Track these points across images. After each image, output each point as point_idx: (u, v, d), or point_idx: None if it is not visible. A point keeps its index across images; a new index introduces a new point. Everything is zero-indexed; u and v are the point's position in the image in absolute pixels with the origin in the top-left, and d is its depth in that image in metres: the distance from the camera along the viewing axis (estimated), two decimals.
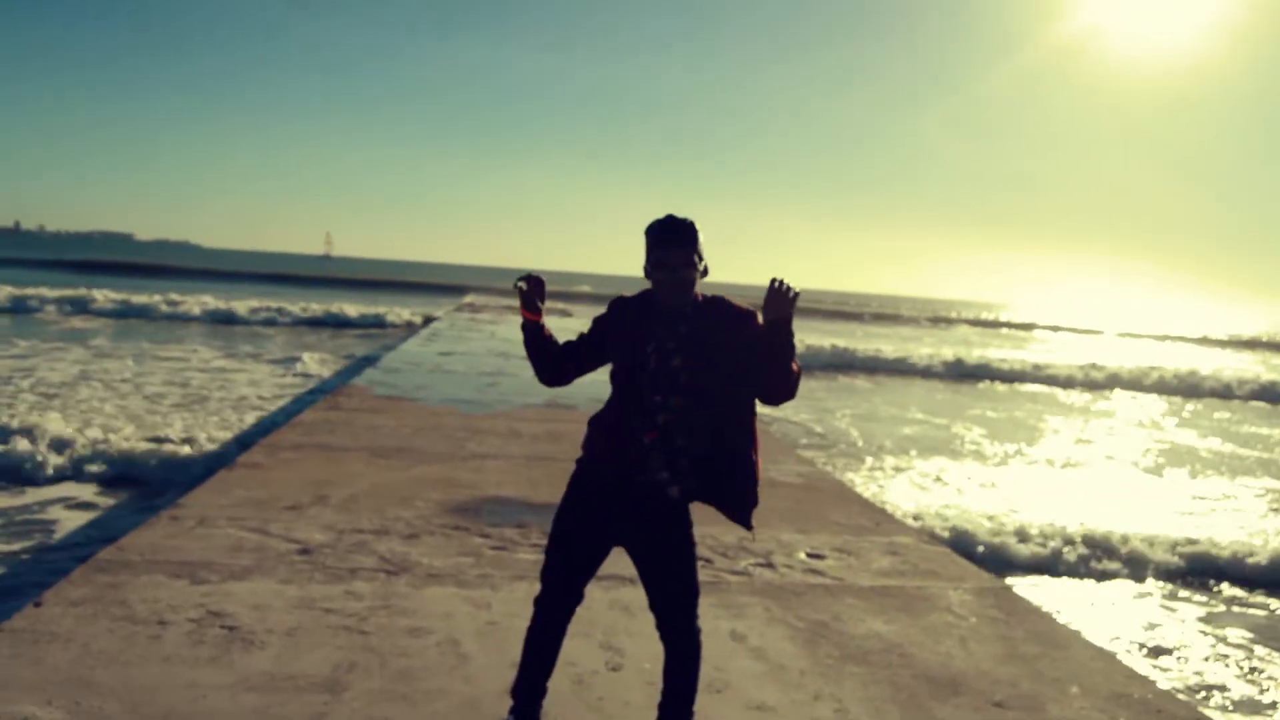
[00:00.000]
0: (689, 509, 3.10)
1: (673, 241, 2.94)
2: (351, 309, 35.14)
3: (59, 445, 9.83)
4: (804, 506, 7.18)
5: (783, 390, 2.92)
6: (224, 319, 30.82)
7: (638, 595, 4.65)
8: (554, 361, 3.18)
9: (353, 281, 63.42)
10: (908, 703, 3.88)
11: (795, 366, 2.91)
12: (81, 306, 31.08)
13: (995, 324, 75.88)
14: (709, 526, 6.30)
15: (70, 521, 7.89)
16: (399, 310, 36.39)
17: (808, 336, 38.27)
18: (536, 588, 4.95)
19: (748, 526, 3.14)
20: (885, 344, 36.67)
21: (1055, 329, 72.92)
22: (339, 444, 8.34)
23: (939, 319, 72.52)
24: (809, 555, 5.87)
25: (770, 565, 5.61)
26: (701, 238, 3.00)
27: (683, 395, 2.94)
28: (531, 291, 3.12)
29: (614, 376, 3.07)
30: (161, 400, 14.29)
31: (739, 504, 3.08)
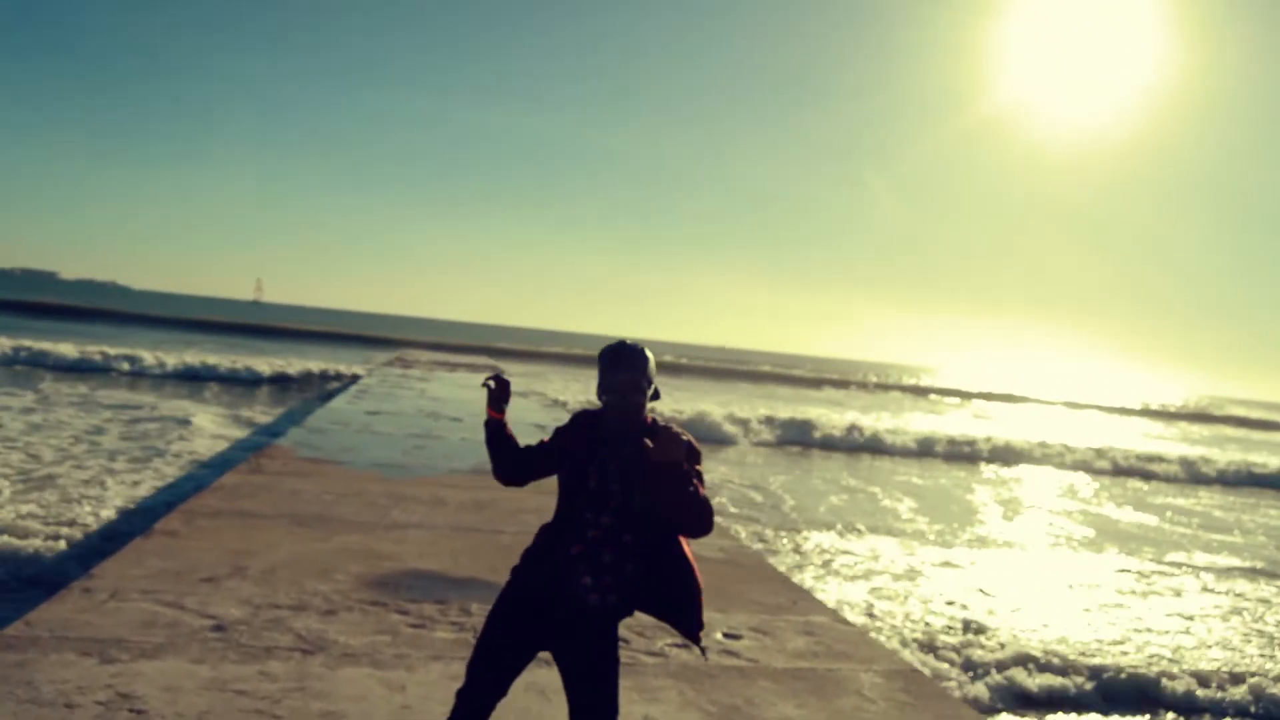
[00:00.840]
0: (616, 627, 3.16)
1: (621, 367, 3.10)
2: (281, 363, 34.51)
3: None
4: (724, 583, 7.29)
5: (687, 525, 3.02)
6: (143, 373, 29.86)
7: (553, 678, 4.71)
8: (512, 462, 3.31)
9: (284, 331, 62.37)
10: None
11: (696, 499, 2.98)
12: None
13: (927, 390, 75.31)
14: None
15: None
16: (329, 364, 35.94)
17: (747, 400, 38.61)
18: (453, 668, 5.01)
19: (695, 640, 3.21)
20: (819, 409, 37.02)
21: (988, 397, 72.92)
22: (259, 511, 8.25)
23: (872, 384, 72.30)
24: (725, 635, 5.97)
25: (686, 646, 5.70)
26: (653, 363, 3.17)
27: (612, 515, 3.08)
28: (498, 391, 3.30)
29: (560, 489, 3.21)
30: (92, 458, 13.94)
31: (680, 615, 3.17)
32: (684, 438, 3.13)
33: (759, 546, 11.52)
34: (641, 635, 5.79)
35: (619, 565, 3.09)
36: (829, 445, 27.21)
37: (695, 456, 3.10)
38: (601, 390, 3.13)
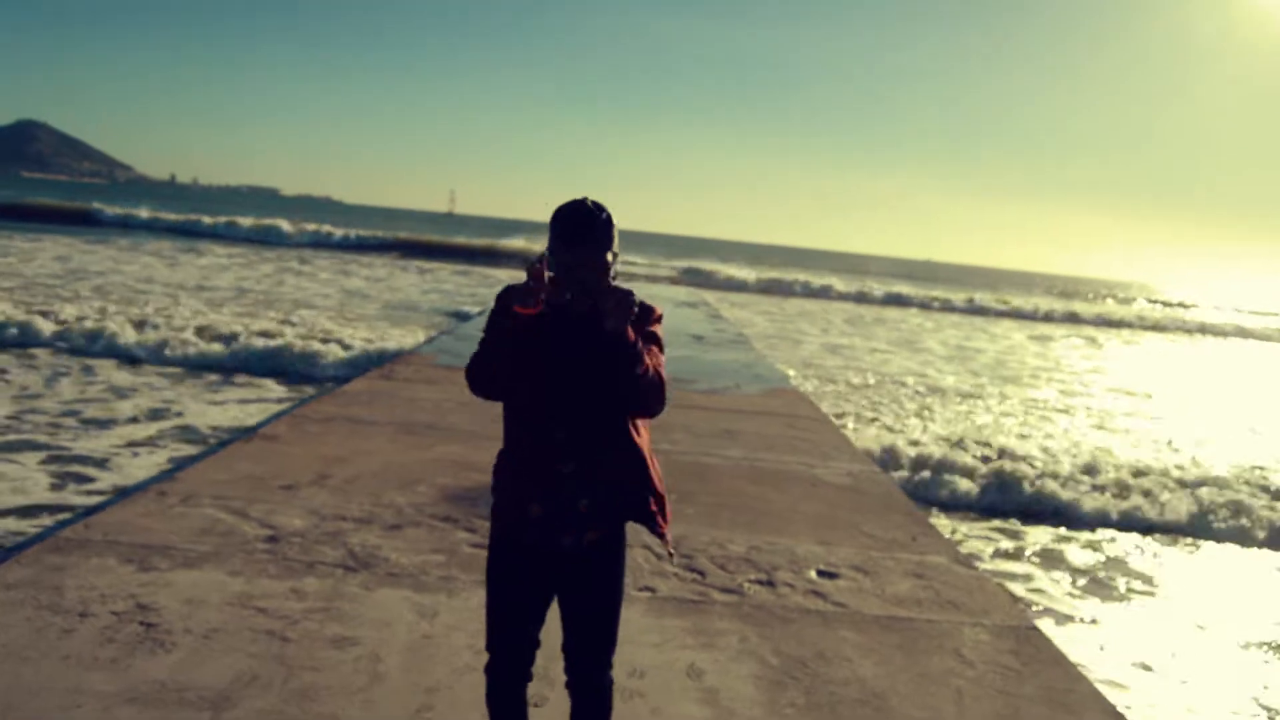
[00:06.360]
0: (619, 555, 2.70)
1: (580, 240, 2.51)
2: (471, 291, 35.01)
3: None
4: (838, 512, 6.61)
5: (633, 400, 2.55)
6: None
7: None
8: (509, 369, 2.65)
9: (476, 252, 60.54)
10: None
11: (646, 372, 2.51)
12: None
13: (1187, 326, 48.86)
14: (716, 531, 5.86)
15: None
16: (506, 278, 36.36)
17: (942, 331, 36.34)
18: None
19: (662, 538, 2.73)
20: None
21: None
22: (370, 418, 8.15)
23: (1109, 322, 47.07)
24: (819, 573, 5.32)
25: (770, 584, 5.09)
26: (616, 231, 2.57)
27: (566, 431, 2.60)
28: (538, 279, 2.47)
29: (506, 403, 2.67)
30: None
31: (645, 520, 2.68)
32: (635, 299, 2.54)
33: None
34: (722, 568, 5.23)
35: (587, 496, 2.60)
36: None
37: (648, 316, 2.62)
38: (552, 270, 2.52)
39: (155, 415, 9.71)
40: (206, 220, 49.12)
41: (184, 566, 4.60)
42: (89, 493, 7.02)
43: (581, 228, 2.51)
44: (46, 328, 13.19)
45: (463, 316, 19.62)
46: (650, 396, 2.53)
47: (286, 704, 3.44)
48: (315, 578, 4.62)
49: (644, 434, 2.70)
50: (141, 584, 4.36)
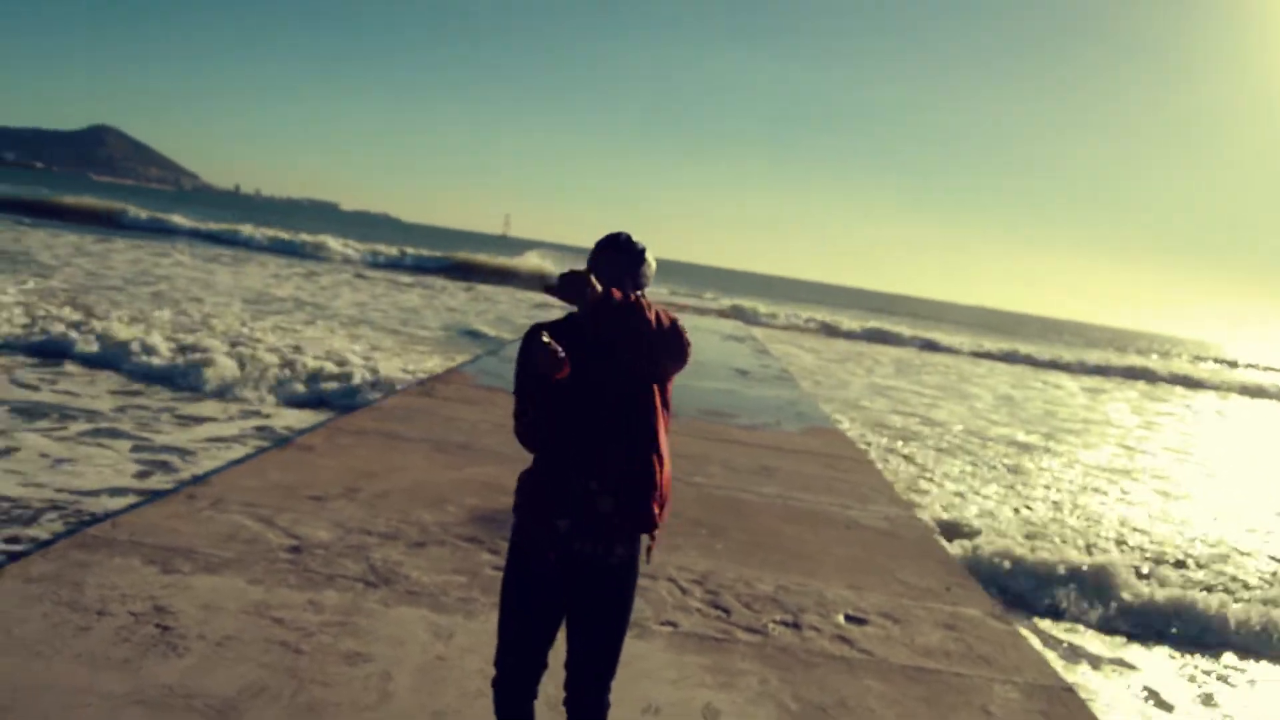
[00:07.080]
0: (633, 572, 2.76)
1: (610, 260, 2.75)
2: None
3: None
4: (873, 557, 6.44)
5: (657, 346, 2.57)
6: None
7: None
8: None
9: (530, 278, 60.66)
10: None
11: (655, 321, 2.55)
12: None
13: None
14: (746, 569, 5.74)
15: None
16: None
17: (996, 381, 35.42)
18: None
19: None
20: None
21: None
22: (405, 433, 8.14)
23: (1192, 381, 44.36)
24: (848, 619, 5.18)
25: (796, 625, 4.96)
26: (651, 268, 2.79)
27: (592, 442, 2.70)
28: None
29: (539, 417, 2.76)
30: None
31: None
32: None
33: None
34: (748, 607, 5.11)
35: (610, 502, 2.68)
36: None
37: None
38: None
39: (245, 415, 10.26)
40: (283, 236, 49.62)
41: (205, 571, 4.59)
42: (169, 480, 7.42)
43: (617, 248, 2.74)
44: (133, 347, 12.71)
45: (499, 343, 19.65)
46: (669, 338, 2.57)
47: (292, 718, 3.39)
48: (335, 590, 4.58)
49: (662, 440, 2.74)
50: (162, 586, 4.35)
